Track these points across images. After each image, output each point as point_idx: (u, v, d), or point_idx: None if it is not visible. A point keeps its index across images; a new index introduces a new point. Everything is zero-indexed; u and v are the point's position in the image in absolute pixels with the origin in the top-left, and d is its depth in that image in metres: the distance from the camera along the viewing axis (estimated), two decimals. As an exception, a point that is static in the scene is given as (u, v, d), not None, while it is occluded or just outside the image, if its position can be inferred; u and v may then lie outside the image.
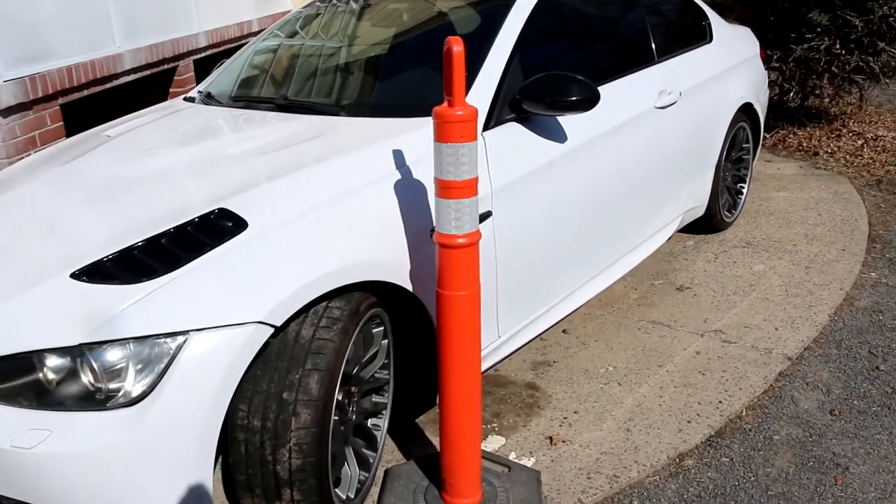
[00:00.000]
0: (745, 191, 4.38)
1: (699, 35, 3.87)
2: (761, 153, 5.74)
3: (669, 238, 3.72)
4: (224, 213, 2.04)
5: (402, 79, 2.78)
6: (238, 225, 2.01)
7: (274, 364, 1.97)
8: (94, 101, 4.57)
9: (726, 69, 3.89)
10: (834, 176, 5.25)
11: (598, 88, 2.88)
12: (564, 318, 2.99)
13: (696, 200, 3.83)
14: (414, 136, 2.38)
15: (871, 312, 3.38)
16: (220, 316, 1.82)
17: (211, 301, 1.83)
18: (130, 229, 2.02)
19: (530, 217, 2.57)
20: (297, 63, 3.13)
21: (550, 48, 2.88)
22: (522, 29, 2.74)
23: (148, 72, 4.86)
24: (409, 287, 2.19)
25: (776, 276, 3.73)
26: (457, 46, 1.79)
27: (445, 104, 1.86)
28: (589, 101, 2.48)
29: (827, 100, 6.45)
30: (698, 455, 2.50)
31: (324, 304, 2.05)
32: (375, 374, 2.39)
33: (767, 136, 6.12)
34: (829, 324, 3.30)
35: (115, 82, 4.54)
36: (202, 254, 1.92)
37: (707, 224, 4.12)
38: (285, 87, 3.00)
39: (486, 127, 2.50)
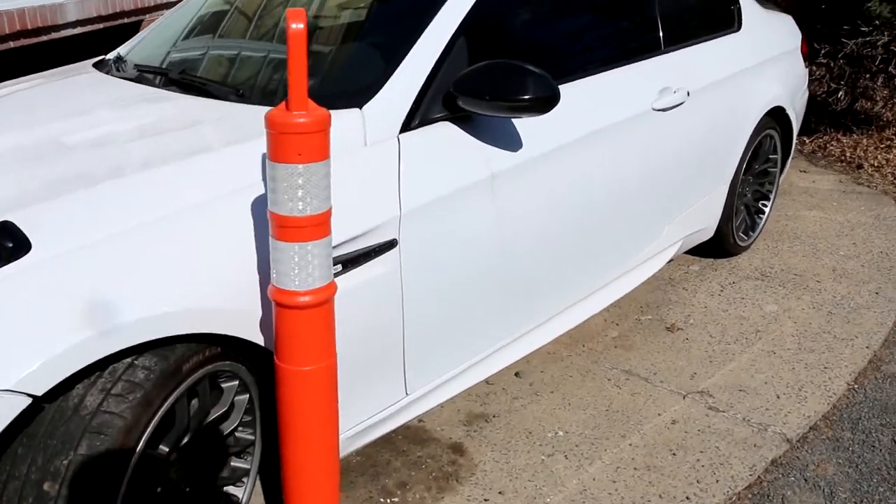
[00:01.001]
0: (767, 210, 3.71)
1: (725, 21, 3.18)
2: (796, 161, 5.02)
3: (670, 261, 3.09)
4: (5, 229, 1.48)
5: (314, 60, 2.17)
6: (19, 247, 1.46)
7: (41, 441, 1.42)
8: (29, 55, 4.01)
9: (755, 65, 3.21)
10: (878, 195, 4.52)
11: (578, 83, 2.27)
12: (509, 367, 2.40)
13: (703, 221, 3.18)
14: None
15: (900, 382, 2.74)
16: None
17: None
18: None
19: (458, 248, 1.97)
20: (216, 30, 2.53)
21: (516, 28, 2.24)
22: (476, 3, 2.10)
23: (101, 25, 4.28)
24: (261, 341, 1.61)
25: (790, 322, 3.09)
26: (296, 23, 1.19)
27: (282, 105, 1.27)
28: (544, 100, 1.86)
29: (880, 104, 5.67)
30: (647, 577, 1.92)
31: (127, 360, 1.49)
32: (236, 435, 1.84)
33: (807, 140, 5.39)
34: (846, 394, 2.66)
35: (54, 35, 3.98)
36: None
37: (717, 248, 3.48)
38: (192, 60, 2.40)
39: (406, 127, 1.89)
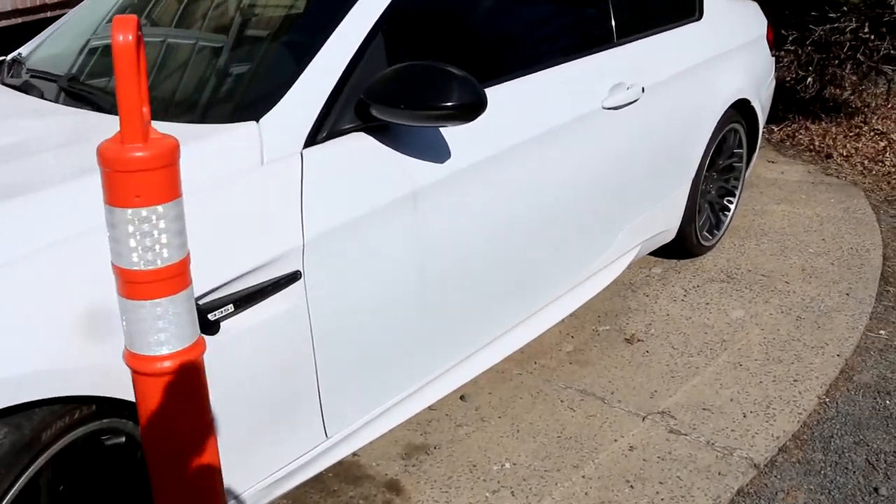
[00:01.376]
0: (732, 207, 3.52)
1: (685, 9, 2.96)
2: (764, 151, 4.84)
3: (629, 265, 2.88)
4: None
5: (205, 67, 1.91)
6: None
7: None
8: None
9: (717, 55, 3.00)
10: (847, 186, 4.35)
11: (515, 82, 2.05)
12: (451, 392, 2.19)
13: (664, 223, 2.98)
14: (186, 152, 1.54)
15: (875, 394, 2.56)
16: None
17: None
18: None
19: (374, 276, 1.74)
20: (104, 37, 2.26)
21: (442, 24, 2.01)
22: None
23: (18, 20, 3.97)
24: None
25: (757, 330, 2.90)
26: (124, 34, 0.95)
27: (117, 137, 1.03)
28: (468, 107, 1.63)
29: (848, 91, 5.50)
30: None
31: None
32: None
33: (775, 129, 5.21)
34: (816, 410, 2.48)
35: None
36: None
37: (680, 249, 3.28)
38: (84, 65, 2.14)
39: (312, 141, 1.66)
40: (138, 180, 1.00)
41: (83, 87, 1.92)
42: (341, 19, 1.75)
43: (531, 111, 2.11)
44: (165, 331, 1.10)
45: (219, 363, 1.50)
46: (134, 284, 1.06)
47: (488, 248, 2.04)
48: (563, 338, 2.83)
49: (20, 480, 1.30)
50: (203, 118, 1.67)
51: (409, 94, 1.61)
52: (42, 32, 2.60)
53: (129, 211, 1.01)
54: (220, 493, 1.27)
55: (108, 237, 1.05)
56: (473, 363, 2.24)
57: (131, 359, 1.12)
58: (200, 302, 1.45)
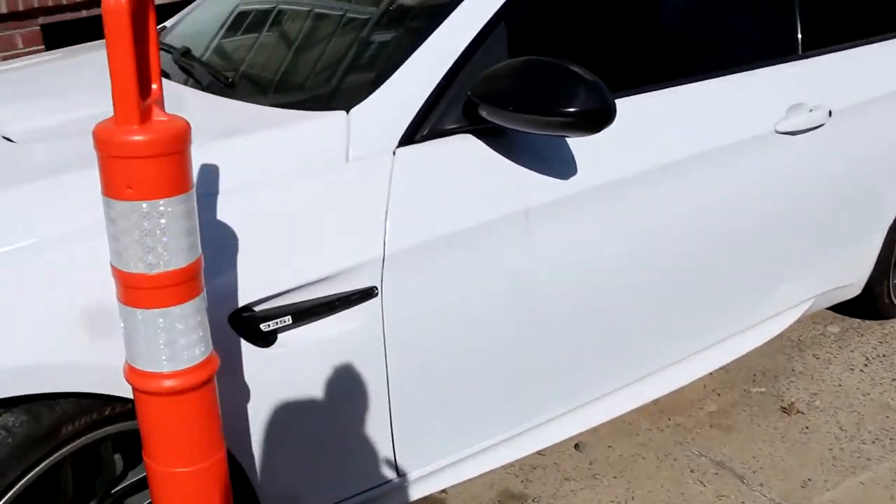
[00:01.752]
0: (938, 264, 2.94)
1: (893, 19, 2.47)
2: None
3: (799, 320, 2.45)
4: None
5: (297, 51, 1.76)
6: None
7: None
8: (85, 29, 3.86)
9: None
10: None
11: (664, 92, 1.75)
12: (564, 440, 1.91)
13: (846, 276, 2.51)
14: (261, 139, 1.39)
15: None
16: None
17: None
18: None
19: (467, 303, 1.50)
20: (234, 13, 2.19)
21: (576, 19, 1.74)
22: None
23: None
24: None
25: (955, 419, 2.36)
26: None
27: (112, 119, 0.87)
28: (593, 116, 1.37)
29: None
30: None
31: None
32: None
33: None
34: None
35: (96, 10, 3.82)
36: None
37: (866, 307, 2.77)
38: (202, 43, 2.08)
39: (411, 139, 1.46)
40: (133, 168, 0.84)
41: (186, 62, 1.85)
42: (456, 5, 1.53)
43: (681, 129, 1.78)
44: (170, 345, 0.93)
45: (272, 378, 1.34)
46: (132, 290, 0.90)
47: (615, 283, 1.74)
48: (707, 394, 2.45)
49: (33, 472, 1.20)
50: (290, 103, 1.51)
51: (525, 95, 1.37)
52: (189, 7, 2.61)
53: (127, 204, 0.86)
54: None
55: (108, 233, 0.90)
56: (593, 410, 1.95)
57: (131, 374, 0.97)
58: (255, 309, 1.29)
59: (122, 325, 0.96)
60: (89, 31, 3.85)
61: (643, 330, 1.93)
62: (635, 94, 1.73)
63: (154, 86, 0.86)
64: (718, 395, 2.46)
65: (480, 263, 1.50)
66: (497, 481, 2.07)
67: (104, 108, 1.60)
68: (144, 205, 0.86)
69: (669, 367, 2.10)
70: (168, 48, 1.98)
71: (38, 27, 3.31)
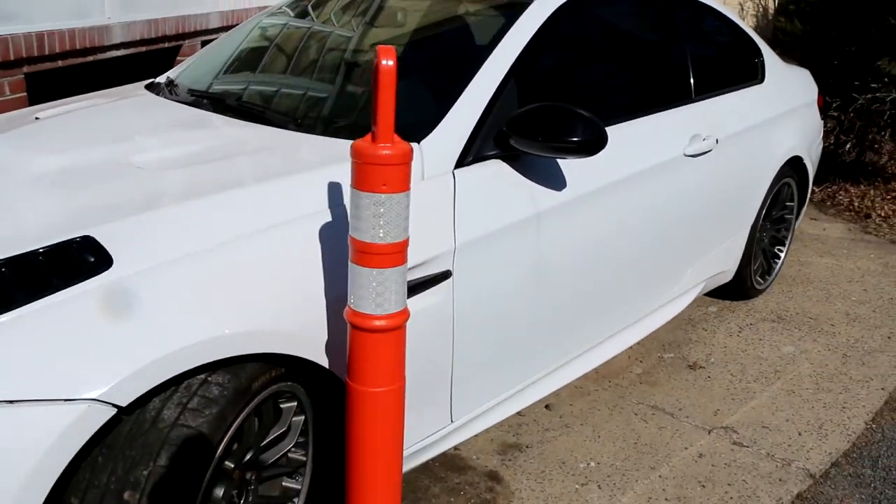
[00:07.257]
0: (782, 255, 3.82)
1: (749, 73, 3.33)
2: (807, 209, 5.14)
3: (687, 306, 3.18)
4: (88, 244, 1.57)
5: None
6: (101, 261, 1.54)
7: (120, 452, 1.49)
8: (75, 74, 4.14)
9: (776, 115, 3.35)
10: (886, 244, 4.65)
11: (617, 126, 2.38)
12: (541, 399, 2.48)
13: (723, 264, 3.29)
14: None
15: (917, 424, 2.81)
16: (40, 387, 1.36)
17: (34, 363, 1.38)
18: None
19: (504, 282, 2.06)
20: (270, 57, 2.66)
21: (562, 72, 2.37)
22: (529, 44, 2.24)
23: (143, 48, 4.42)
24: (325, 363, 1.70)
25: (807, 363, 3.17)
26: (387, 60, 1.30)
27: (368, 137, 1.37)
28: (593, 143, 1.97)
29: (886, 157, 5.83)
30: None
31: (201, 376, 1.57)
32: (289, 455, 1.91)
33: (816, 189, 5.52)
34: (864, 433, 2.74)
35: (100, 56, 4.11)
36: (44, 296, 1.46)
37: (735, 290, 3.57)
38: (247, 85, 2.53)
39: (461, 163, 2.01)
40: (385, 172, 1.34)
41: (249, 104, 2.30)
42: (484, 61, 2.12)
43: (630, 152, 2.45)
44: (382, 295, 1.42)
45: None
46: (366, 255, 1.39)
47: (591, 268, 2.36)
48: (633, 362, 3.12)
49: (237, 420, 1.61)
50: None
51: (546, 129, 1.96)
52: (189, 58, 3.01)
53: (374, 195, 1.35)
54: (402, 439, 1.57)
55: (352, 215, 1.38)
56: (558, 376, 2.53)
57: (353, 315, 1.44)
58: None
59: (352, 280, 1.42)
60: (65, 79, 4.10)
61: (600, 306, 2.55)
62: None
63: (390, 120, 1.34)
64: (641, 361, 3.14)
65: (511, 251, 2.06)
66: (495, 437, 2.60)
67: (208, 143, 2.04)
68: (383, 196, 1.35)
69: (609, 339, 2.73)
70: (211, 95, 2.41)
71: (23, 75, 3.54)
